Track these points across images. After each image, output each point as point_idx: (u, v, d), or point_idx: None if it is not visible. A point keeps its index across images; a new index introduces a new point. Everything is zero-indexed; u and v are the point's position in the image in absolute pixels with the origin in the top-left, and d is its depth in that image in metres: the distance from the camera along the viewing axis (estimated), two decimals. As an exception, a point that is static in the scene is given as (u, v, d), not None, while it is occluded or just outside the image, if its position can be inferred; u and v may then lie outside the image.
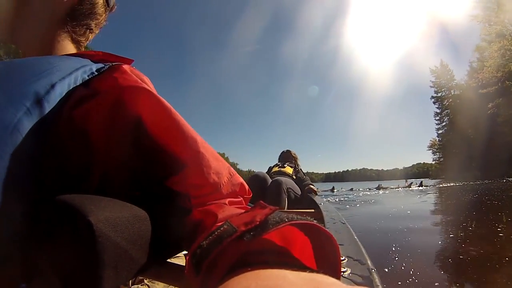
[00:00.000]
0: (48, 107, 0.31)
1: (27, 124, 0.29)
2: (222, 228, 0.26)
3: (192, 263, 0.25)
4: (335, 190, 13.19)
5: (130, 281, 0.69)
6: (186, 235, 0.36)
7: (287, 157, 3.90)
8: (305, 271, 0.19)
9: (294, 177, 3.34)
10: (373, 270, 0.49)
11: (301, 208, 2.32)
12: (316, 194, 2.94)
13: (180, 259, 0.75)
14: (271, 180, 2.98)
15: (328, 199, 8.26)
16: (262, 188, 2.87)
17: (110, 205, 0.30)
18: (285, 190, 2.83)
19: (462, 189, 10.65)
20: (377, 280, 0.45)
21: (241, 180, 0.44)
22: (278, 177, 2.99)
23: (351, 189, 13.57)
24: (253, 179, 3.00)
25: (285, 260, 0.25)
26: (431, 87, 44.44)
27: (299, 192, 3.07)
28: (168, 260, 0.44)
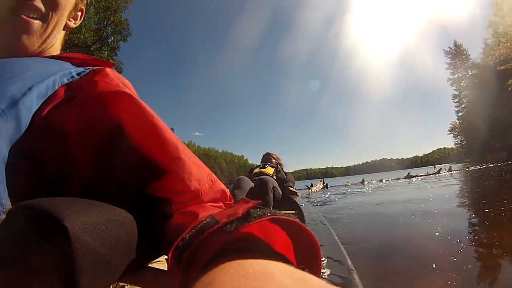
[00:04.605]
0: (25, 110, 0.31)
1: (2, 127, 0.28)
2: (204, 221, 0.26)
3: (174, 256, 0.25)
4: (365, 182, 12.79)
5: (111, 287, 0.68)
6: (167, 239, 0.36)
7: (267, 158, 3.99)
8: (289, 265, 0.19)
9: (275, 177, 3.36)
10: (352, 270, 0.50)
11: (281, 209, 2.30)
12: (298, 195, 2.93)
13: (161, 264, 0.75)
14: (251, 183, 2.98)
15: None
16: (244, 191, 2.87)
17: (87, 208, 0.29)
18: (271, 189, 2.83)
19: (493, 170, 10.12)
20: (356, 280, 0.47)
21: (223, 186, 0.44)
22: (264, 176, 3.00)
23: (381, 180, 12.88)
24: (237, 182, 2.99)
25: (269, 251, 0.25)
26: (446, 69, 43.18)
27: (281, 193, 3.07)
28: (149, 265, 0.44)
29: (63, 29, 0.54)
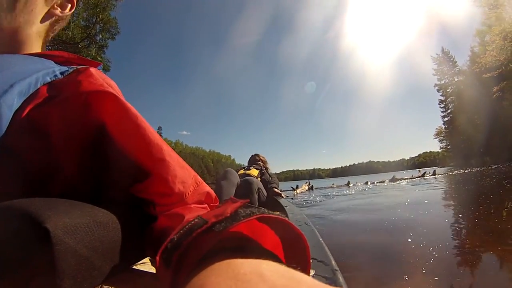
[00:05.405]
0: (6, 107, 0.31)
1: None
2: (193, 222, 0.25)
3: (163, 258, 0.24)
4: (351, 185, 12.82)
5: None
6: (152, 241, 0.35)
7: (254, 160, 4.03)
8: (280, 264, 0.19)
9: (259, 178, 3.39)
10: (336, 271, 0.51)
11: None
12: (282, 197, 2.96)
13: (145, 266, 0.74)
14: (238, 176, 3.01)
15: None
16: (231, 182, 2.88)
17: (69, 209, 0.28)
18: (256, 190, 2.85)
19: (475, 175, 10.43)
20: (340, 281, 0.47)
21: (208, 188, 0.43)
22: (249, 177, 3.02)
23: (366, 183, 13.01)
24: (224, 173, 3.00)
25: (259, 250, 0.25)
26: (433, 75, 44.02)
27: (266, 194, 3.10)
28: (134, 266, 0.43)
29: (48, 16, 0.51)
